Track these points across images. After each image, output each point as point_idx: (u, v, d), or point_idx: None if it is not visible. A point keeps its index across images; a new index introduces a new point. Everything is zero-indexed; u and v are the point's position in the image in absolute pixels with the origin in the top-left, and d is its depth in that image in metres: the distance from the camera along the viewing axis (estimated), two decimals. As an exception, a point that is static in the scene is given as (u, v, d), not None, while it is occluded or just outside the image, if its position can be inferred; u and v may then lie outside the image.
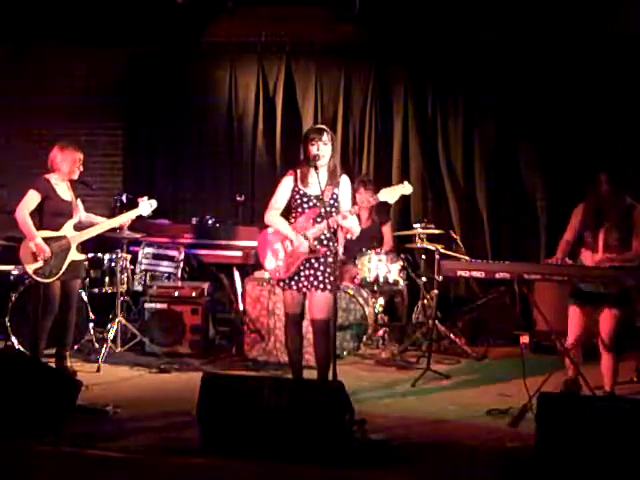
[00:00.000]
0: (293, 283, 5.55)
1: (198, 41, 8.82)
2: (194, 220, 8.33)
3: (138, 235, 7.51)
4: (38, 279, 6.22)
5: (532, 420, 4.77)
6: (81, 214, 6.51)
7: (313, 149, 5.47)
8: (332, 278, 5.34)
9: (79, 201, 6.51)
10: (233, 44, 8.92)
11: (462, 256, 7.55)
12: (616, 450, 4.30)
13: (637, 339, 6.92)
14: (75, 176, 6.37)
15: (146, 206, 6.60)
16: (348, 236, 5.72)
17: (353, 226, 5.57)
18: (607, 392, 5.68)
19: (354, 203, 5.66)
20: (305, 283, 5.52)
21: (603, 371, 5.77)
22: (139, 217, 6.71)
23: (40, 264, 6.20)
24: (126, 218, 6.61)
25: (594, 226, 5.70)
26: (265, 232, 5.72)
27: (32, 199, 6.25)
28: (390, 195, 5.49)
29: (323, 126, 5.71)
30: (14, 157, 8.98)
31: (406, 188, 5.55)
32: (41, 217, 6.28)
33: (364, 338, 7.28)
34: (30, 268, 6.23)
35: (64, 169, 6.30)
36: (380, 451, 4.79)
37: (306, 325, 5.85)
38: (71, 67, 8.89)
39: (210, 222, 8.26)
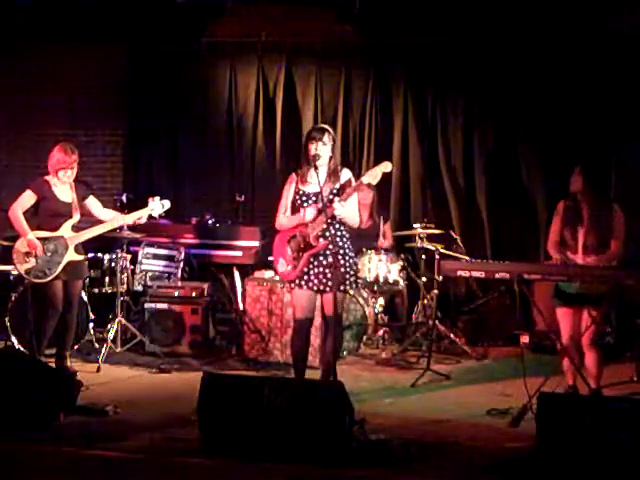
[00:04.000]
0: (303, 282, 5.55)
1: (198, 41, 8.82)
2: (194, 220, 8.32)
3: (138, 235, 7.51)
4: (31, 279, 6.21)
5: (532, 420, 4.78)
6: (97, 212, 6.48)
7: (312, 148, 5.49)
8: (335, 276, 5.33)
9: (93, 199, 6.49)
10: (233, 44, 8.91)
11: (462, 256, 7.55)
12: (616, 450, 4.31)
13: (637, 339, 6.93)
14: (63, 177, 6.28)
15: (157, 206, 6.51)
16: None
17: (347, 216, 5.55)
18: (593, 389, 5.56)
19: (345, 196, 5.60)
20: (315, 282, 5.52)
21: (588, 369, 5.68)
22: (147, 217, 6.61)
23: (32, 264, 6.19)
24: (134, 217, 6.48)
25: (573, 226, 5.69)
26: (276, 238, 5.75)
27: (27, 199, 6.27)
28: (372, 176, 5.48)
29: (325, 126, 5.72)
30: (14, 157, 8.98)
31: (386, 166, 5.52)
32: (38, 218, 6.29)
33: (364, 338, 7.29)
34: (22, 268, 6.23)
35: (50, 166, 6.29)
36: (380, 451, 4.78)
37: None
38: (71, 67, 8.87)
39: (210, 222, 8.25)
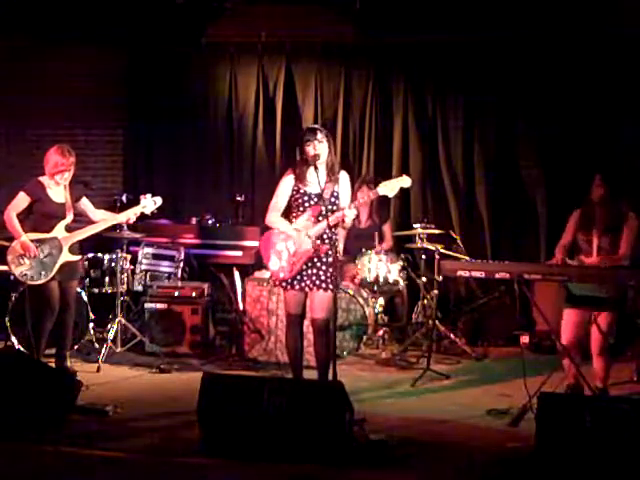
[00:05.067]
0: (295, 283, 5.55)
1: (198, 41, 8.81)
2: (194, 220, 8.33)
3: (138, 235, 7.51)
4: (26, 281, 6.17)
5: (532, 420, 4.77)
6: (90, 214, 6.47)
7: (310, 149, 5.48)
8: (333, 277, 5.35)
9: (86, 200, 6.48)
10: (233, 44, 8.91)
11: (462, 256, 7.55)
12: (616, 450, 4.31)
13: (637, 339, 6.94)
14: (59, 179, 6.26)
15: (149, 203, 6.48)
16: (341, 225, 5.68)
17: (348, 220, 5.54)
18: (599, 388, 5.65)
19: (354, 199, 5.65)
20: (307, 282, 5.52)
21: (596, 371, 5.75)
22: (141, 215, 6.63)
23: (27, 266, 6.16)
24: (127, 215, 6.46)
25: (587, 230, 5.72)
26: (268, 234, 5.72)
27: (21, 201, 6.23)
28: (389, 188, 5.48)
29: (316, 125, 5.80)
30: (14, 157, 8.97)
31: (405, 181, 5.54)
32: (32, 219, 6.26)
33: (364, 338, 7.28)
34: (17, 270, 6.20)
35: (47, 169, 6.25)
36: (380, 451, 4.79)
37: (306, 325, 5.85)
38: (71, 67, 8.87)
39: (210, 222, 8.25)
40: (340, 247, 5.65)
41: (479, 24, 8.18)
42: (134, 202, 7.04)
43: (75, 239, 6.35)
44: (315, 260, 5.52)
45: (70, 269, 6.33)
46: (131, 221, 6.57)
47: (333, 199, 5.52)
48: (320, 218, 5.48)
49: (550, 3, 8.01)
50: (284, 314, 6.82)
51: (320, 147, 5.48)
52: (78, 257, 6.45)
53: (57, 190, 6.32)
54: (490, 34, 8.25)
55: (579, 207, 5.88)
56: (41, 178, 6.31)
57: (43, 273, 6.19)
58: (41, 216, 6.26)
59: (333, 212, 5.45)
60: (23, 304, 6.63)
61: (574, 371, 5.68)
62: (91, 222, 6.47)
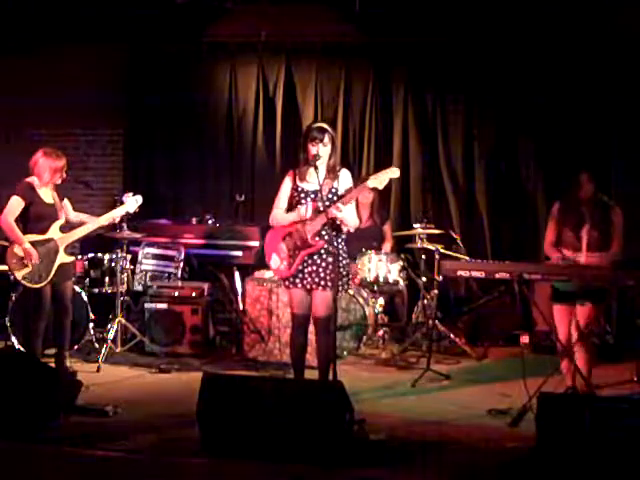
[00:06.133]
0: (298, 281, 5.53)
1: (198, 41, 8.82)
2: (194, 220, 8.32)
3: (138, 235, 7.51)
4: (27, 285, 6.17)
5: (532, 420, 4.77)
6: (70, 214, 6.47)
7: (312, 149, 5.46)
8: (332, 276, 5.33)
9: (66, 201, 6.47)
10: (233, 44, 8.91)
11: (462, 256, 7.56)
12: (616, 450, 4.31)
13: (637, 339, 6.93)
14: (57, 180, 6.29)
15: (132, 202, 6.55)
16: (345, 229, 5.64)
17: (347, 218, 5.51)
18: (583, 391, 5.57)
19: (348, 199, 5.60)
20: (309, 280, 5.51)
21: (579, 366, 5.60)
22: (134, 215, 6.67)
23: (28, 270, 6.15)
24: (112, 216, 6.52)
25: (576, 225, 5.72)
26: (269, 233, 5.72)
27: (16, 205, 6.19)
28: (378, 181, 5.45)
29: (325, 125, 5.59)
30: (14, 157, 8.97)
31: (394, 172, 5.50)
32: (25, 222, 6.22)
33: (364, 338, 7.28)
34: (19, 274, 6.18)
35: (45, 178, 6.23)
36: (380, 451, 4.79)
37: (306, 325, 5.85)
38: (71, 67, 8.87)
39: (210, 222, 8.25)
40: (342, 246, 5.58)
41: (479, 24, 8.19)
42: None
43: (71, 240, 6.36)
44: (315, 257, 5.51)
45: (65, 270, 6.33)
46: (116, 221, 6.67)
47: (331, 195, 5.50)
48: (317, 213, 5.46)
49: (550, 3, 8.01)
50: (284, 314, 6.85)
51: (323, 150, 5.45)
52: (72, 258, 6.47)
53: (45, 191, 6.29)
54: (490, 34, 8.25)
55: (559, 200, 5.88)
56: (29, 180, 6.27)
57: (44, 275, 6.18)
58: (35, 218, 6.23)
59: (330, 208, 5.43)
60: (23, 304, 6.65)
61: (572, 373, 5.67)
62: (81, 223, 6.47)
